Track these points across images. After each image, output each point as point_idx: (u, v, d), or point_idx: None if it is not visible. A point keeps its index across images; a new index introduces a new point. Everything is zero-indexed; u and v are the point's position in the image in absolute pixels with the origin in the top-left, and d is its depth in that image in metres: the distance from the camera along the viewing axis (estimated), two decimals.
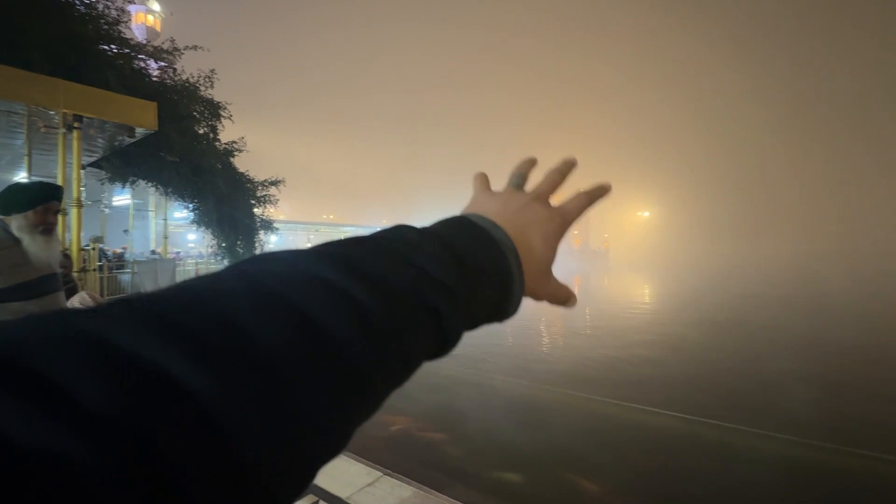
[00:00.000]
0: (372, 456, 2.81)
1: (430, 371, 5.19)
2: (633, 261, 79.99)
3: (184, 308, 0.16)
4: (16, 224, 1.67)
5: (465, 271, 0.25)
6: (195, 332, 0.15)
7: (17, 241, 1.66)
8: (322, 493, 2.37)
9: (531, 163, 0.38)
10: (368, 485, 2.46)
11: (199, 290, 0.17)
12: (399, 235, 0.25)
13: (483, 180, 0.37)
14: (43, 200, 1.70)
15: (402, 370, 0.22)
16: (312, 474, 0.18)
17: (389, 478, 2.56)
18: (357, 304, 0.19)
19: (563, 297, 0.34)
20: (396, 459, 3.49)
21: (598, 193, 0.36)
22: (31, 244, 1.66)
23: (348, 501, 2.30)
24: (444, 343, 0.24)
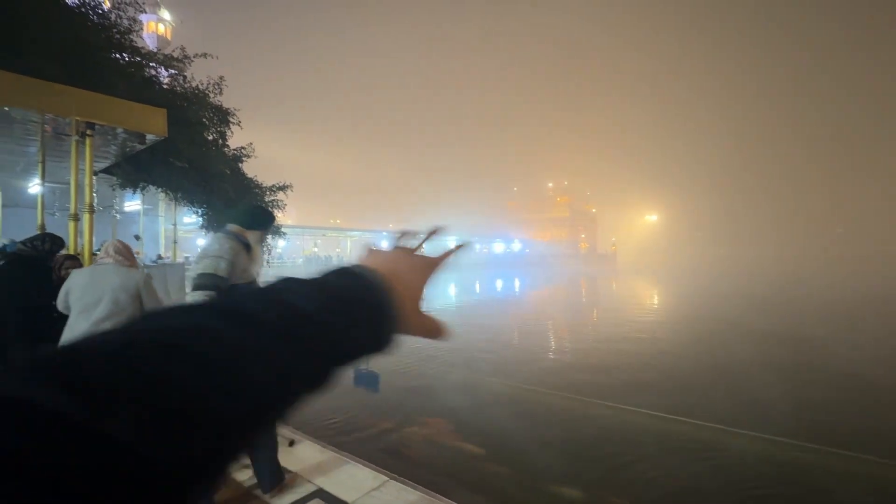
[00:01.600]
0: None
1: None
2: (640, 264, 79.47)
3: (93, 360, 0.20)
4: (253, 237, 2.19)
5: (338, 304, 0.30)
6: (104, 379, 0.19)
7: (249, 250, 2.14)
8: (328, 497, 2.38)
9: (411, 233, 0.45)
10: (374, 489, 2.46)
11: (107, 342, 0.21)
12: (286, 285, 0.30)
13: (370, 250, 0.43)
14: (272, 225, 2.31)
15: (276, 391, 0.25)
16: None
17: (395, 482, 2.56)
18: (225, 340, 0.23)
19: (433, 329, 0.38)
20: None
21: (457, 250, 0.46)
22: (255, 255, 2.20)
23: None
24: (321, 368, 0.28)
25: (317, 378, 0.27)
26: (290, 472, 2.59)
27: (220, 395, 0.21)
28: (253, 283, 2.13)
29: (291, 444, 3.04)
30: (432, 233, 0.46)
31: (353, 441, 4.19)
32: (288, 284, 0.29)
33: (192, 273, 2.05)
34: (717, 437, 4.49)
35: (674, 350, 9.02)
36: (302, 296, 0.28)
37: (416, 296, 0.37)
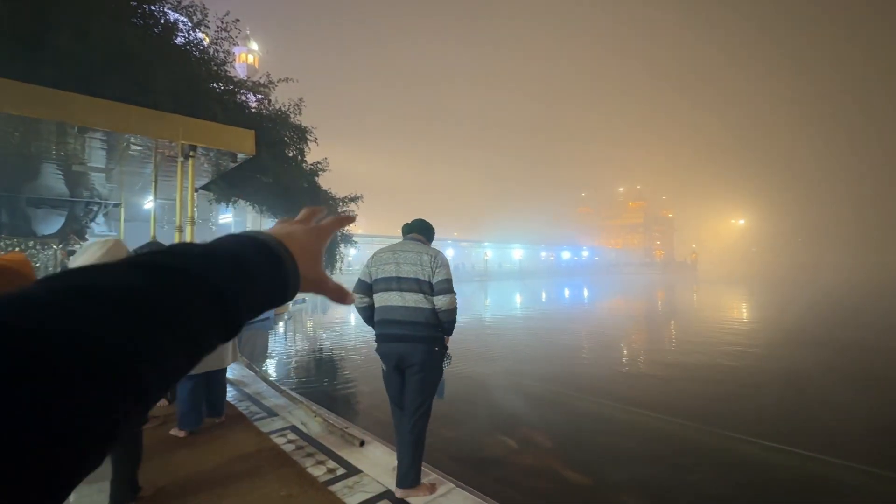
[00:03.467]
0: None
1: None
2: (726, 273, 72.40)
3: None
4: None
5: (239, 261, 0.34)
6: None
7: None
8: (396, 500, 2.43)
9: (316, 210, 0.49)
10: (441, 495, 2.47)
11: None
12: (208, 246, 0.34)
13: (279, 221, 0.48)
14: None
15: (186, 337, 0.27)
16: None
17: (461, 490, 2.55)
18: (139, 289, 0.26)
19: (331, 289, 0.44)
20: None
21: (345, 220, 0.50)
22: None
23: None
24: (227, 310, 0.31)
25: (219, 321, 0.31)
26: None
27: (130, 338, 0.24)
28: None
29: (361, 444, 3.16)
30: (341, 220, 0.50)
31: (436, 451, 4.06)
32: (186, 247, 0.33)
33: (437, 278, 2.40)
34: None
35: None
36: (209, 256, 0.32)
37: (312, 256, 0.42)
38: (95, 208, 10.48)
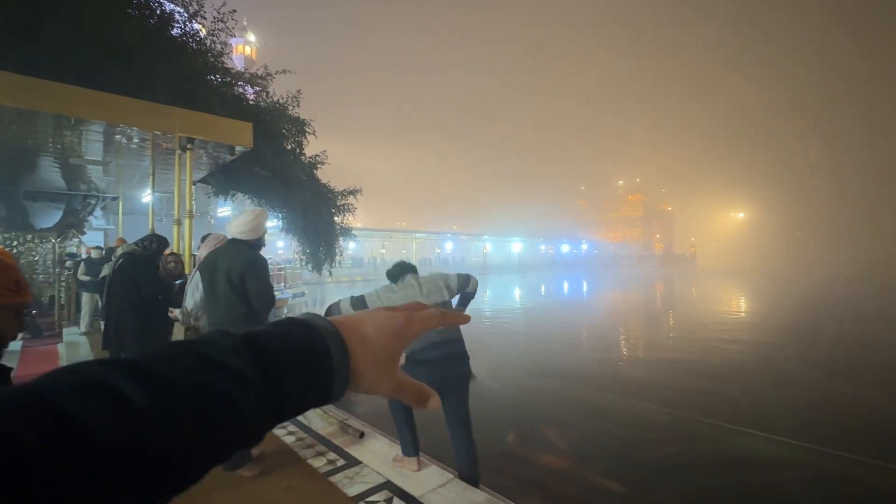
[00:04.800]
0: None
1: None
2: (725, 266, 72.54)
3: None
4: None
5: (268, 358, 0.28)
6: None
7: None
8: (395, 489, 2.46)
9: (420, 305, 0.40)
10: (441, 485, 2.50)
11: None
12: (210, 338, 0.29)
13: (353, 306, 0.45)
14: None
15: (187, 460, 0.24)
16: None
17: (461, 481, 2.58)
18: (126, 401, 0.22)
19: (413, 394, 0.35)
20: None
21: (452, 319, 0.40)
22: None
23: (420, 499, 2.36)
24: (245, 427, 0.27)
25: (241, 435, 0.27)
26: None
27: (115, 477, 0.20)
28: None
29: (361, 435, 3.19)
30: (445, 317, 0.40)
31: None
32: (215, 337, 0.29)
33: (453, 280, 2.67)
34: None
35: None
36: (227, 349, 0.27)
37: (384, 349, 0.34)
38: (93, 201, 10.43)
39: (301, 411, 0.30)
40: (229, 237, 2.72)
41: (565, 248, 76.88)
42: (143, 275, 3.68)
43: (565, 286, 31.71)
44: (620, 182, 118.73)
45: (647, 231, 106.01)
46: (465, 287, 2.71)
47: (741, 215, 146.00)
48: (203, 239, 3.21)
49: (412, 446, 2.71)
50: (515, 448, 4.36)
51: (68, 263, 8.87)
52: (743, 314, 16.27)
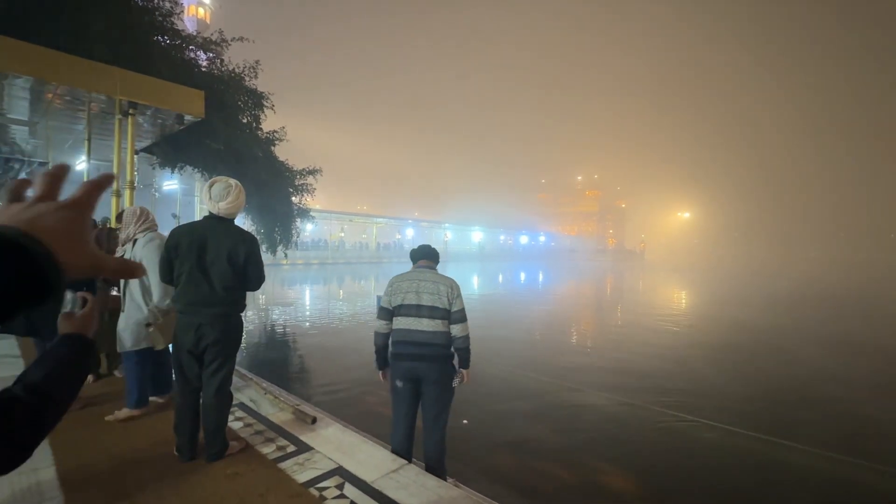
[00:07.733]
0: None
1: None
2: (670, 261, 76.97)
3: None
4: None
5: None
6: None
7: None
8: (347, 475, 2.42)
9: (25, 182, 0.41)
10: (393, 471, 2.49)
11: None
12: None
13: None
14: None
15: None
16: None
17: (413, 465, 2.59)
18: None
19: (117, 269, 0.40)
20: None
21: (104, 181, 0.41)
22: None
23: (372, 485, 2.34)
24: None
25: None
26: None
27: None
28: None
29: (313, 421, 3.12)
30: (99, 184, 0.41)
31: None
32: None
33: (455, 308, 2.68)
34: None
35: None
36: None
37: (74, 236, 0.36)
38: (17, 166, 9.41)
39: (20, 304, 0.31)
40: (218, 215, 2.55)
41: (524, 240, 78.55)
42: None
43: (522, 276, 32.45)
44: (579, 177, 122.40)
45: (601, 226, 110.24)
46: (459, 321, 2.66)
47: (687, 215, 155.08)
48: (119, 217, 2.90)
49: (401, 446, 2.73)
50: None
51: None
52: (675, 308, 17.40)
